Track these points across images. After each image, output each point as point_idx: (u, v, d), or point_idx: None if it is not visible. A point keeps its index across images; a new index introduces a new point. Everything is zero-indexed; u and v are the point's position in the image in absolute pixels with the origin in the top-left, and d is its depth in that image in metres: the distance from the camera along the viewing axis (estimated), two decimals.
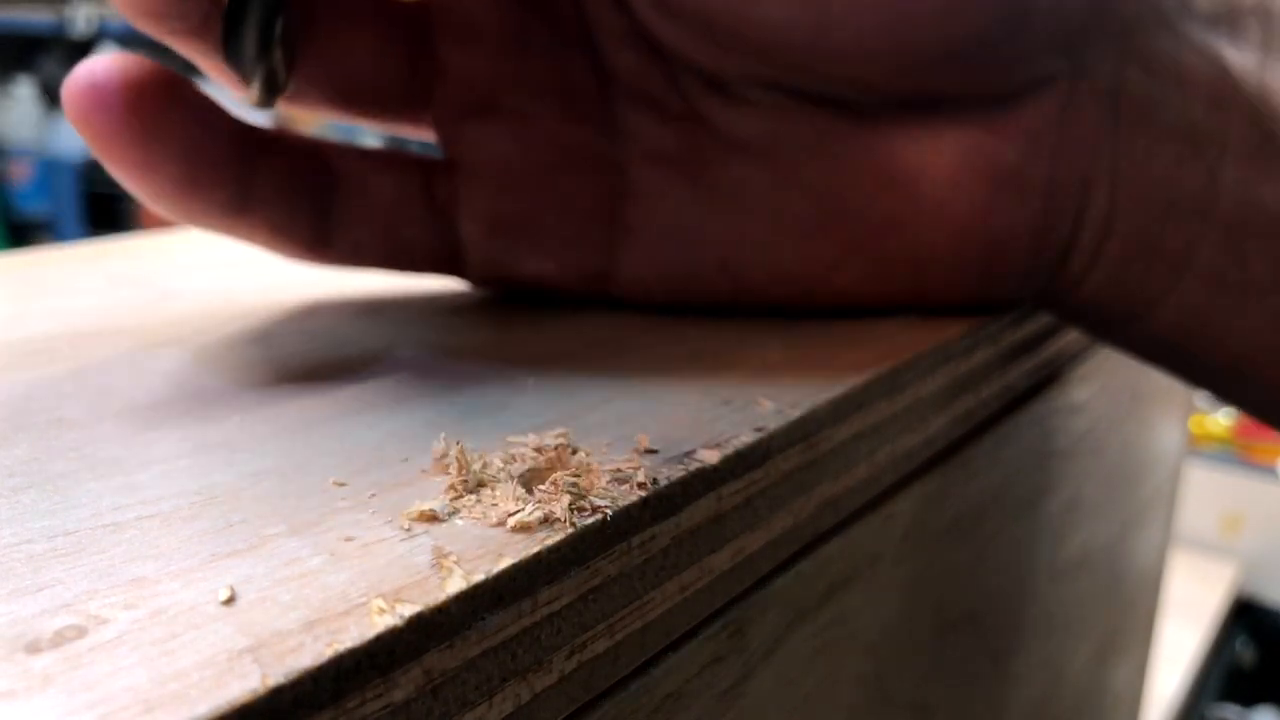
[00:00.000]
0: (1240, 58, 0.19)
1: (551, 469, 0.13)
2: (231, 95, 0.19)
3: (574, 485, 0.12)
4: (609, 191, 0.20)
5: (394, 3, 0.19)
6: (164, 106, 0.17)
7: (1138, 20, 0.19)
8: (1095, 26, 0.19)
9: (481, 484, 0.12)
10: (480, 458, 0.13)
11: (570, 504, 0.12)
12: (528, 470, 0.13)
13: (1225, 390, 0.21)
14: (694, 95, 0.20)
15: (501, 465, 0.13)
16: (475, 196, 0.20)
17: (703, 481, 0.13)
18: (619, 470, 0.13)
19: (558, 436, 0.13)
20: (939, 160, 0.19)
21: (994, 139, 0.19)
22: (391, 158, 0.20)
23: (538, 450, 0.13)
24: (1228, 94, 0.19)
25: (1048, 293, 0.21)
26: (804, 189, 0.20)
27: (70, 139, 2.78)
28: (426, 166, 0.20)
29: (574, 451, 0.13)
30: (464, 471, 0.12)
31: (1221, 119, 0.19)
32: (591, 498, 0.12)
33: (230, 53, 0.17)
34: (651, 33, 0.19)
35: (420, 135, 0.21)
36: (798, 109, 0.19)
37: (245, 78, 0.17)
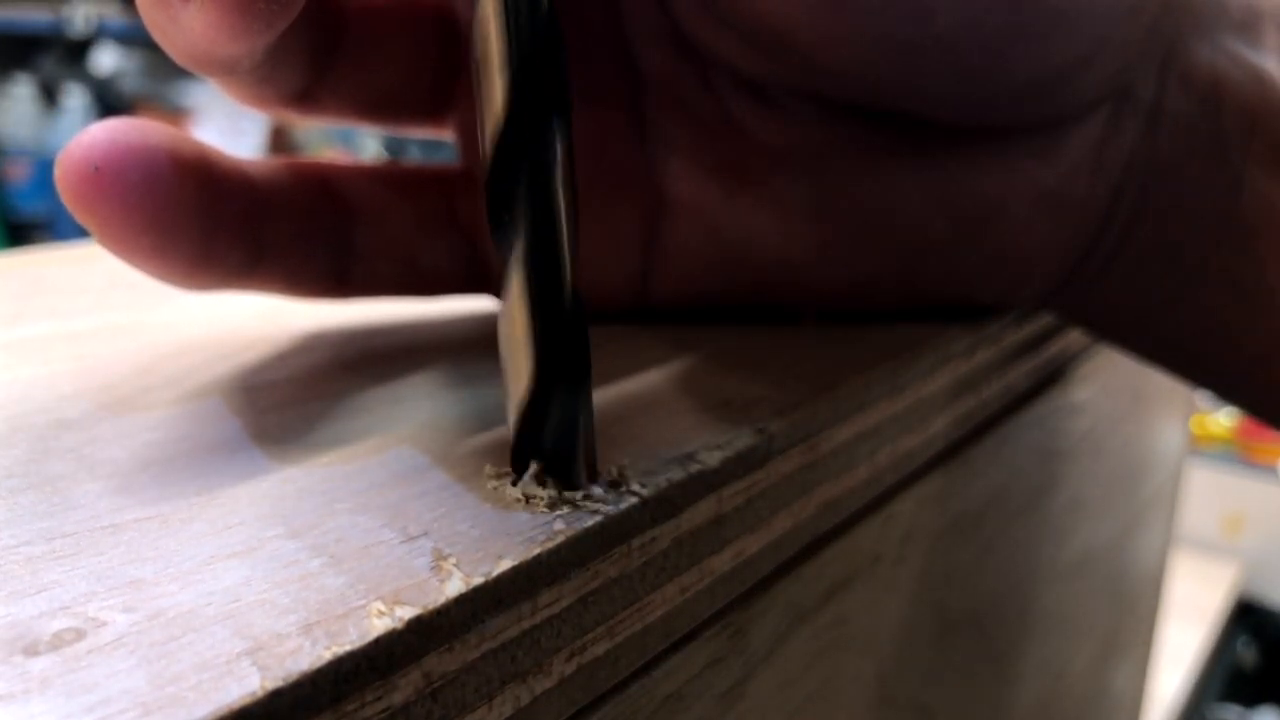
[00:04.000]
0: (1265, 61, 0.19)
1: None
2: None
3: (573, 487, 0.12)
4: (645, 209, 0.19)
5: (423, 8, 0.18)
6: (175, 182, 0.15)
7: (1178, 35, 0.18)
8: (1146, 51, 0.18)
9: (482, 486, 0.12)
10: (480, 460, 0.13)
11: (570, 506, 0.12)
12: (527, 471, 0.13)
13: (1231, 392, 0.21)
14: (731, 102, 0.19)
15: (502, 467, 0.13)
16: None
17: (703, 483, 0.13)
18: (619, 471, 0.13)
19: None
20: (986, 182, 0.19)
21: (1040, 164, 0.19)
22: (408, 180, 0.19)
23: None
24: (1257, 103, 0.18)
25: (1058, 296, 0.21)
26: (849, 207, 0.19)
27: (68, 138, 2.78)
28: (446, 184, 0.19)
29: None
30: (464, 473, 0.12)
31: (1249, 128, 0.19)
32: (591, 500, 0.12)
33: (527, 448, 0.12)
34: (691, 32, 0.18)
35: (439, 135, 0.20)
36: (842, 121, 0.18)
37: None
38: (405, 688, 0.10)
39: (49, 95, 2.81)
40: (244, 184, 0.16)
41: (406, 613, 0.10)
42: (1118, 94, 0.18)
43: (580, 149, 0.18)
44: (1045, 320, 0.23)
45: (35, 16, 2.71)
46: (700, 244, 0.19)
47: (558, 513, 0.12)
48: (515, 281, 0.12)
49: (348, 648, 0.09)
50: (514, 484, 0.12)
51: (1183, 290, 0.19)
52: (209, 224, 0.15)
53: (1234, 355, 0.20)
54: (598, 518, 0.12)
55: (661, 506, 0.12)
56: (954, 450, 0.21)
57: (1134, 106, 0.19)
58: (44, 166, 2.76)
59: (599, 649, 0.12)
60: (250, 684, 0.08)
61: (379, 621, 0.09)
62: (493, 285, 0.20)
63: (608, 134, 0.19)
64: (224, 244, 0.16)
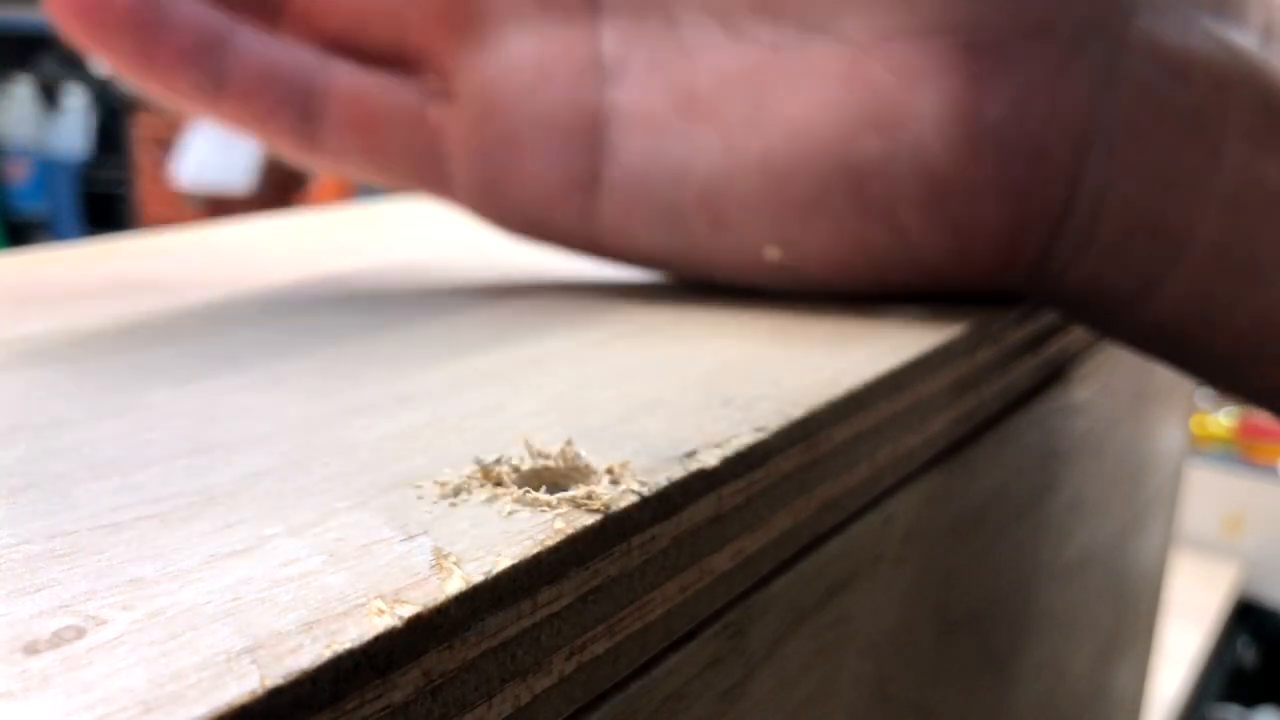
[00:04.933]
0: (1244, 40, 0.19)
1: (551, 469, 0.13)
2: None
3: (574, 485, 0.12)
4: (593, 112, 0.21)
5: None
6: None
7: (1134, 9, 0.19)
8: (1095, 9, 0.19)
9: (482, 485, 0.12)
10: (480, 459, 0.13)
11: (570, 504, 0.12)
12: (528, 470, 0.13)
13: (1227, 378, 0.21)
14: (689, 31, 0.20)
15: (502, 466, 0.13)
16: (462, 119, 0.21)
17: (703, 482, 0.13)
18: (619, 471, 0.13)
19: (558, 437, 0.13)
20: (920, 105, 0.19)
21: (977, 93, 0.19)
22: (391, 74, 0.21)
23: (537, 451, 0.13)
24: (1230, 76, 0.19)
25: (1044, 274, 0.21)
26: (788, 125, 0.20)
27: (68, 138, 2.78)
28: (424, 88, 0.21)
29: (574, 452, 0.13)
30: (464, 472, 0.12)
31: (1224, 101, 0.19)
32: (591, 498, 0.12)
33: None
34: None
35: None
36: (791, 41, 0.20)
37: None
38: (405, 686, 0.10)
39: (49, 95, 2.81)
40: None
41: (406, 611, 0.10)
42: (1069, 44, 0.19)
43: (533, 57, 0.21)
44: (1045, 320, 0.23)
45: (35, 16, 2.71)
46: (646, 150, 0.21)
47: (557, 511, 0.12)
48: None
49: (348, 646, 0.09)
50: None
51: (1170, 263, 0.20)
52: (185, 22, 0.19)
53: (1222, 331, 0.20)
54: (598, 516, 0.12)
55: (662, 505, 0.12)
56: (954, 450, 0.21)
57: (1088, 62, 0.19)
58: (44, 166, 2.77)
59: (599, 647, 0.12)
60: (250, 682, 0.08)
61: (379, 620, 0.09)
62: (455, 190, 0.22)
63: (565, 52, 0.20)
64: (199, 48, 0.19)
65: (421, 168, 0.21)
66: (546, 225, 0.21)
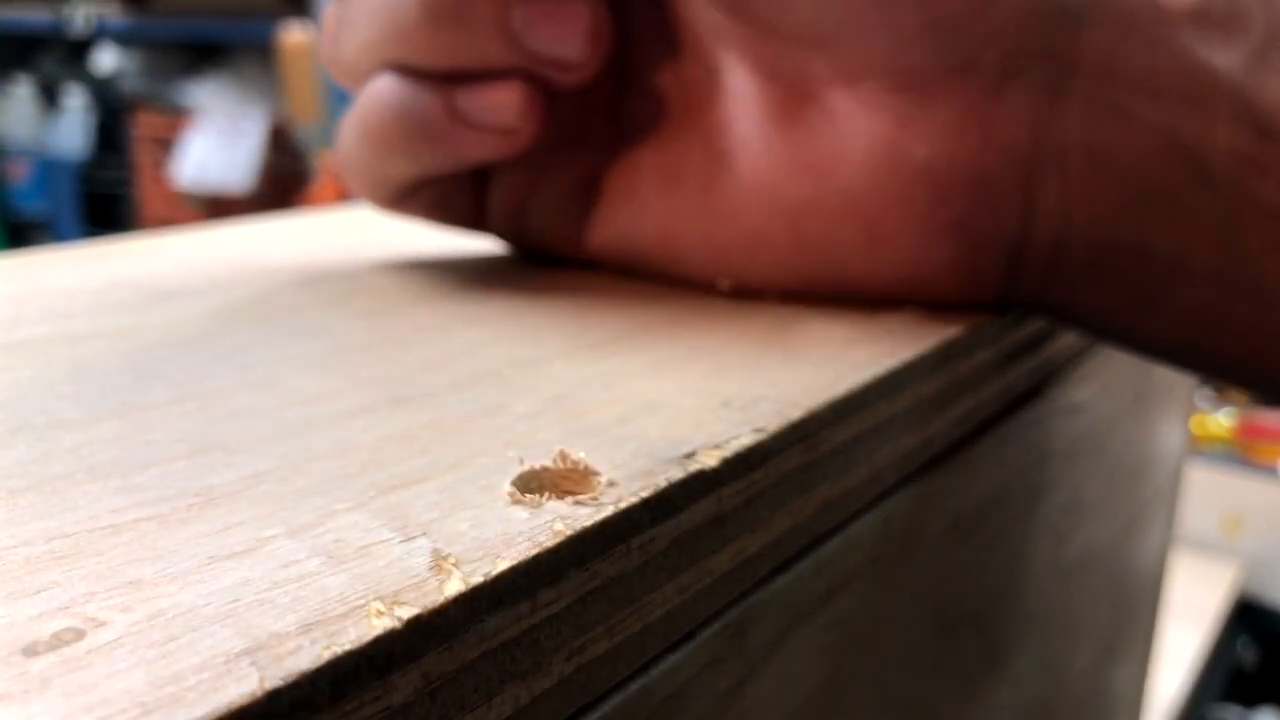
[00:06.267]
0: (1226, 57, 0.18)
1: (550, 470, 0.13)
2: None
3: (573, 487, 0.12)
4: (596, 165, 0.23)
5: None
6: None
7: (1082, 30, 0.19)
8: (1023, 27, 0.19)
9: (481, 486, 0.12)
10: (479, 460, 0.13)
11: (569, 505, 0.12)
12: (526, 471, 0.13)
13: (1244, 383, 0.21)
14: (697, 90, 0.22)
15: (500, 467, 0.13)
16: (506, 171, 0.23)
17: (702, 483, 0.13)
18: (618, 472, 0.13)
19: (556, 438, 0.13)
20: (852, 148, 0.20)
21: (904, 134, 0.19)
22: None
23: (537, 453, 0.13)
24: (1208, 93, 0.18)
25: (1016, 296, 0.21)
26: (732, 168, 0.21)
27: (68, 138, 2.79)
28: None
29: (573, 454, 0.13)
30: (463, 473, 0.12)
31: (1203, 117, 0.18)
32: (590, 500, 0.12)
33: None
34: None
35: None
36: (744, 92, 0.21)
37: None
38: (404, 687, 0.10)
39: (49, 95, 2.81)
40: None
41: (405, 613, 0.10)
42: (998, 79, 0.19)
43: (569, 124, 0.23)
44: (1045, 320, 0.23)
45: (35, 16, 2.71)
46: (621, 192, 0.22)
47: (557, 513, 0.12)
48: None
49: (347, 647, 0.09)
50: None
51: (1165, 289, 0.19)
52: None
53: (1231, 350, 0.20)
54: (597, 517, 0.12)
55: (661, 506, 0.12)
56: (954, 450, 0.21)
57: (1026, 85, 0.19)
58: (44, 166, 2.77)
59: (598, 649, 0.12)
60: (249, 684, 0.08)
61: (378, 621, 0.09)
62: (489, 223, 0.24)
63: (589, 116, 0.22)
64: None
65: (472, 211, 0.24)
66: (552, 249, 0.24)
